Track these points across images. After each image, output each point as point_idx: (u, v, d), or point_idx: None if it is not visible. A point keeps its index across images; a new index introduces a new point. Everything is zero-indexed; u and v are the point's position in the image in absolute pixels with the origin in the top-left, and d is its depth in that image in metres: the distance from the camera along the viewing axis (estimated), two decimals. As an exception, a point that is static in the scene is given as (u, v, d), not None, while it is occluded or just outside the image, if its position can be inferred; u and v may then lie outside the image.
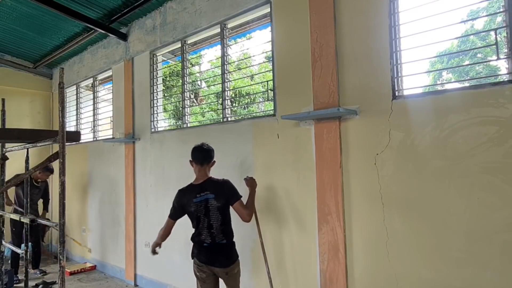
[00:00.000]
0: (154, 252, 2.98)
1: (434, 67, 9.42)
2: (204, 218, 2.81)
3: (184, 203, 2.88)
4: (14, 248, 4.02)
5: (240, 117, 4.13)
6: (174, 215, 2.94)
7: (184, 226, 4.60)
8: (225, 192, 2.83)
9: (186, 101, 4.52)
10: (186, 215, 2.94)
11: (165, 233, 2.97)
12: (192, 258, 2.93)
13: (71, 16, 4.78)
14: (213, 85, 8.97)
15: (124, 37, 5.35)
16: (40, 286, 5.01)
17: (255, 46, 4.72)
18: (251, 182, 3.06)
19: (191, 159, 2.95)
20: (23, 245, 4.66)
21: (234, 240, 2.92)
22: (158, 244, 3.01)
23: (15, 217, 3.27)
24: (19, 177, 3.98)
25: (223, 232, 2.82)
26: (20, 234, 5.28)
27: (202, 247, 2.84)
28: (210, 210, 2.80)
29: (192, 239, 2.91)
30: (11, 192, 5.42)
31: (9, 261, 5.34)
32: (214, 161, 2.98)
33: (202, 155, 2.90)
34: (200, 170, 2.89)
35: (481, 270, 2.18)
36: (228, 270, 2.81)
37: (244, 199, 2.92)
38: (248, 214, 2.82)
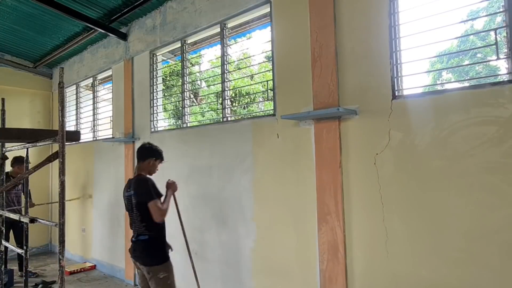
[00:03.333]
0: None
1: (434, 67, 9.42)
2: (131, 213, 2.94)
3: (123, 195, 3.05)
4: (14, 248, 4.02)
5: (240, 117, 4.14)
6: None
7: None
8: (139, 190, 2.87)
9: (186, 100, 4.52)
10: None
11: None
12: None
13: (71, 16, 4.78)
14: (213, 84, 8.96)
15: (124, 36, 5.34)
16: (40, 285, 5.01)
17: (255, 45, 4.73)
18: (170, 185, 3.13)
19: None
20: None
21: (160, 237, 2.91)
22: None
23: (15, 217, 3.27)
24: (19, 177, 3.97)
25: (146, 228, 2.85)
26: (7, 235, 5.23)
27: (131, 242, 2.95)
28: (133, 206, 2.89)
29: None
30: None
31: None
32: (151, 161, 3.06)
33: (138, 153, 3.10)
34: (137, 167, 3.05)
35: (480, 270, 2.19)
36: (150, 270, 2.81)
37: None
38: (160, 214, 2.80)
